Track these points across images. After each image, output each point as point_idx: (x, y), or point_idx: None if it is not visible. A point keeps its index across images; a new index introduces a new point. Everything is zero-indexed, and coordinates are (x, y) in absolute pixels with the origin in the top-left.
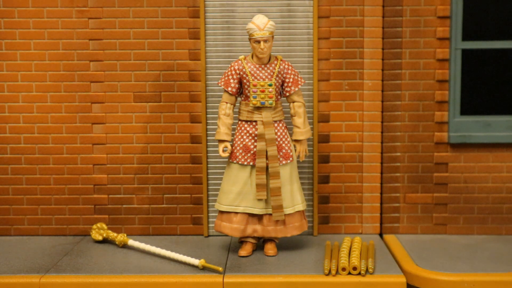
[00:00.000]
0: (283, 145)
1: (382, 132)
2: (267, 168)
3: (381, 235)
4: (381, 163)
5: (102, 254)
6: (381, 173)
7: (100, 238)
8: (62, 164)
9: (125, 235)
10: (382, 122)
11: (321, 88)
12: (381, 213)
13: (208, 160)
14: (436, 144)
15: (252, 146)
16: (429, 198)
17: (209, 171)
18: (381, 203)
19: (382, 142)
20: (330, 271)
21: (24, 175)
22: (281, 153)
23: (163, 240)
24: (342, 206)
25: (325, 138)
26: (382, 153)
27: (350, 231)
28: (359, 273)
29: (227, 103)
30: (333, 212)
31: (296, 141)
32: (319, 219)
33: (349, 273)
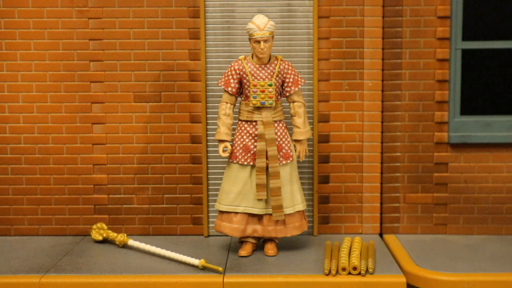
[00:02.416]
0: (283, 145)
1: (382, 132)
2: (267, 168)
3: (381, 235)
4: (381, 163)
5: (102, 254)
6: (381, 173)
7: (100, 238)
8: (62, 164)
9: (125, 235)
10: (382, 122)
11: (321, 88)
12: (381, 213)
13: (208, 160)
14: (436, 144)
15: (252, 146)
16: (429, 198)
17: (209, 171)
18: (381, 203)
19: (382, 142)
20: (330, 271)
21: (24, 175)
22: (281, 153)
23: (163, 240)
24: (342, 206)
25: (325, 138)
26: (382, 153)
27: (350, 231)
28: (359, 273)
29: (227, 103)
30: (333, 212)
31: (296, 141)
32: (319, 219)
33: (349, 273)
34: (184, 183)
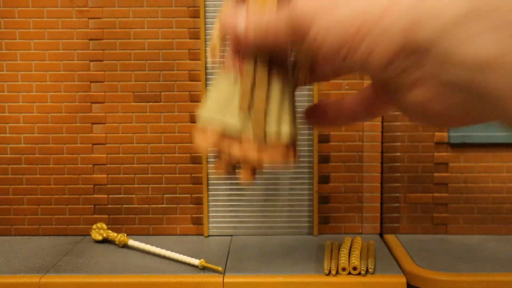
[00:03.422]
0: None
1: (382, 132)
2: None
3: (381, 235)
4: (381, 163)
5: (102, 254)
6: (381, 173)
7: (100, 238)
8: (62, 164)
9: (125, 235)
10: (382, 122)
11: (321, 88)
12: (381, 213)
13: (208, 160)
14: (436, 144)
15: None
16: (429, 198)
17: (209, 171)
18: (381, 203)
19: (382, 142)
20: (330, 271)
21: (24, 175)
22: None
23: (163, 240)
24: (342, 206)
25: (325, 138)
26: (382, 153)
27: (350, 231)
28: (359, 273)
29: None
30: (333, 212)
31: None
32: (319, 219)
33: (349, 273)
34: (184, 183)
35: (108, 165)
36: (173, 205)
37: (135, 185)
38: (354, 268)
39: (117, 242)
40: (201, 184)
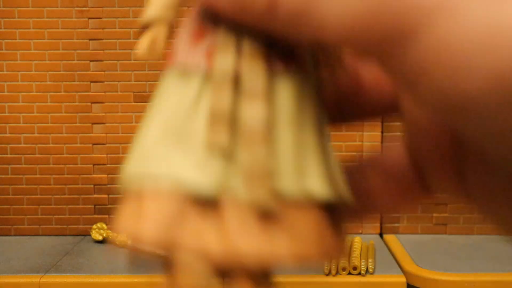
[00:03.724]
0: None
1: (382, 132)
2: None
3: (381, 235)
4: None
5: (102, 254)
6: None
7: (100, 238)
8: (62, 164)
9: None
10: (382, 122)
11: None
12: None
13: None
14: None
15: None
16: (429, 198)
17: None
18: None
19: (382, 142)
20: (330, 271)
21: (24, 175)
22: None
23: None
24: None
25: None
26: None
27: (350, 231)
28: (359, 273)
29: None
30: None
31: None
32: None
33: (349, 273)
34: None
35: (108, 165)
36: None
37: None
38: (354, 268)
39: (117, 242)
40: None
